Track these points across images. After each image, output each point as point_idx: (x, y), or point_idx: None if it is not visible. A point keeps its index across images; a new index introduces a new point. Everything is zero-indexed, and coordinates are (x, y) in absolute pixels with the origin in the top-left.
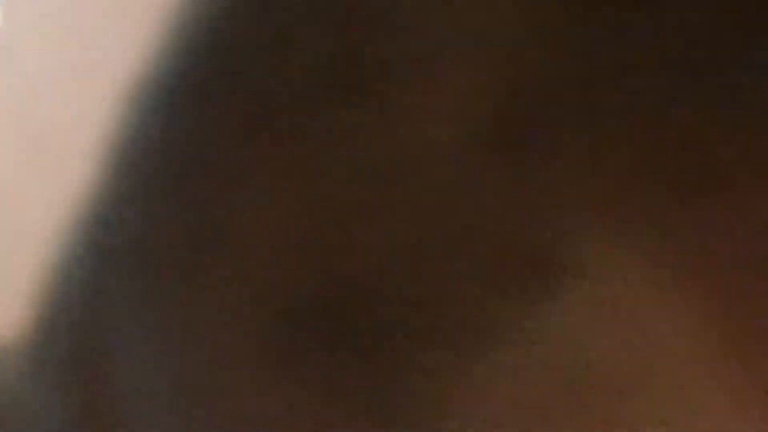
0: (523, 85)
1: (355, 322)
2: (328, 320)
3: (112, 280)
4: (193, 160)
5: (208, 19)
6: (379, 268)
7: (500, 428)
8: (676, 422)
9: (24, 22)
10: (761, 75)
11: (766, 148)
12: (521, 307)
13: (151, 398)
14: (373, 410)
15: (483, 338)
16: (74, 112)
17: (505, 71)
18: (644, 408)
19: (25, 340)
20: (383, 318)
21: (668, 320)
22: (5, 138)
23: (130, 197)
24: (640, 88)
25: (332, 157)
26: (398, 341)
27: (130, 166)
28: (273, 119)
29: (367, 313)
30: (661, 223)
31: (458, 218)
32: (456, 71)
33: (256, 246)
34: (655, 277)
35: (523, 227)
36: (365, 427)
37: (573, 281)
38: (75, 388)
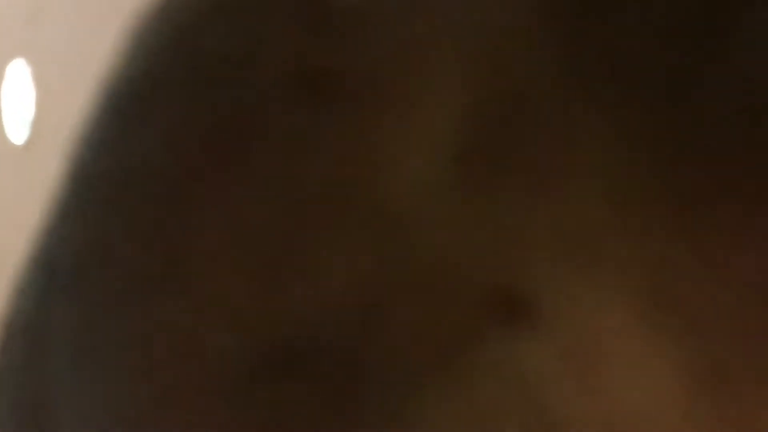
0: (500, 108)
1: (312, 359)
2: (284, 357)
3: (59, 307)
4: (152, 172)
5: (174, 24)
6: (337, 302)
7: None
8: None
9: None
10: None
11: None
12: (480, 348)
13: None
14: None
15: (440, 378)
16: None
17: (482, 92)
18: None
19: None
20: (337, 354)
21: (635, 366)
22: None
23: (81, 211)
24: (620, 117)
25: (295, 173)
26: (353, 380)
27: (83, 176)
28: (239, 129)
29: (322, 349)
30: (634, 266)
31: (422, 250)
32: (429, 87)
33: (217, 273)
34: (623, 322)
35: (488, 263)
36: None
37: (537, 323)
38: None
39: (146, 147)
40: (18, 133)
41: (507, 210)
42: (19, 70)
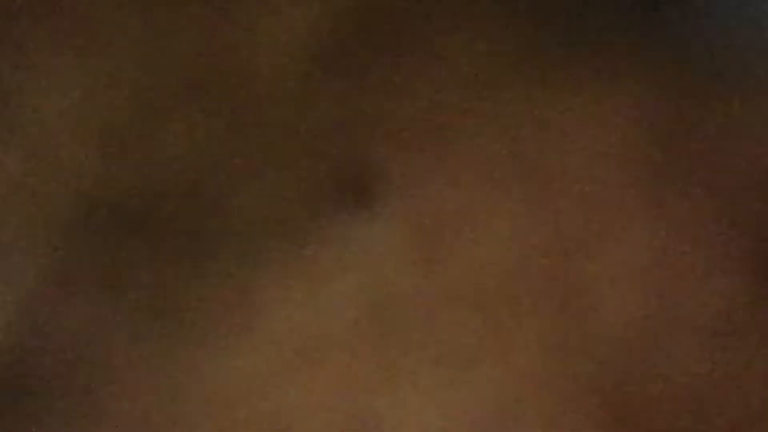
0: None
1: (159, 224)
2: (126, 220)
3: None
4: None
5: None
6: (191, 176)
7: (282, 345)
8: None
9: None
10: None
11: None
12: (326, 223)
13: None
14: (158, 309)
15: (283, 252)
16: None
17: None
18: (443, 337)
19: None
20: (182, 218)
21: (475, 241)
22: None
23: None
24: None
25: (159, 42)
26: (195, 242)
27: None
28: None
29: (173, 216)
30: (480, 148)
31: (275, 125)
32: None
33: (57, 135)
34: (469, 201)
35: (340, 139)
36: (147, 322)
37: (384, 200)
38: None
39: None
40: None
41: (364, 93)
42: None
